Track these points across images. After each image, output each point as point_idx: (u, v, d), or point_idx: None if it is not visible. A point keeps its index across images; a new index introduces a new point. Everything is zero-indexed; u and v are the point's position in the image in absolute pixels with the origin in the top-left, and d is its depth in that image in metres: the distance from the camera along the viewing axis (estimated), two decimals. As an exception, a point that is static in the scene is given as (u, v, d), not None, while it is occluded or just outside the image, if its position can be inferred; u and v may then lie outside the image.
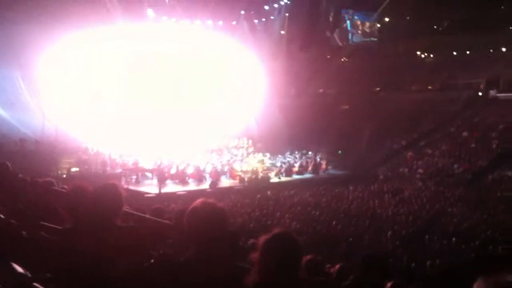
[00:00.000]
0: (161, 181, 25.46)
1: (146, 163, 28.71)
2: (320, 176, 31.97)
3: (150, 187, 25.24)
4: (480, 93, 40.46)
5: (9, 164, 5.91)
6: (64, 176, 24.80)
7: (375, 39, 46.70)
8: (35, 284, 2.58)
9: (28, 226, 3.77)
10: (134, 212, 5.31)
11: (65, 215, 3.62)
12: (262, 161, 31.14)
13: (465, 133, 34.94)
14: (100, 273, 2.86)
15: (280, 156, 34.04)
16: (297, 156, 34.73)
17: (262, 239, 2.55)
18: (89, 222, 3.26)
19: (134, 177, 27.17)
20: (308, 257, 4.91)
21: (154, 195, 23.31)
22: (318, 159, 34.21)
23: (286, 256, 2.48)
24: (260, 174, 29.07)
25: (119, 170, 27.59)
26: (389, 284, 4.53)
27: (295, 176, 30.99)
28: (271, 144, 35.21)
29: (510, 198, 23.66)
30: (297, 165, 32.44)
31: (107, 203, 3.30)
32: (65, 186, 5.29)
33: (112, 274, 2.86)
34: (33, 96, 28.65)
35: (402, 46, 46.50)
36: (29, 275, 2.76)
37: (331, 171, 33.87)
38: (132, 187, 23.65)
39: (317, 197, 23.43)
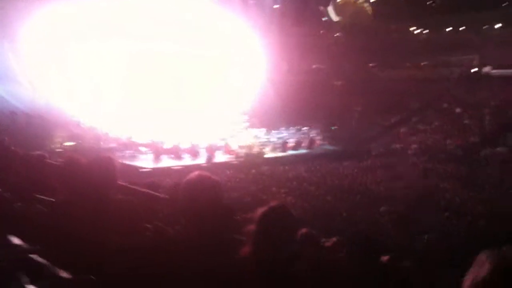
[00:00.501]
0: (156, 156, 25.44)
1: (140, 138, 28.66)
2: (315, 151, 32.03)
3: (144, 162, 25.20)
4: (473, 70, 40.45)
5: (6, 139, 5.87)
6: (58, 150, 24.69)
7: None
8: (31, 255, 2.57)
9: (22, 199, 3.74)
10: (128, 185, 5.30)
11: (58, 188, 3.60)
12: (257, 137, 31.14)
13: (458, 110, 35.01)
14: (94, 245, 2.85)
15: (274, 131, 34.04)
16: (292, 132, 34.76)
17: (258, 211, 2.54)
18: (82, 194, 3.24)
19: (129, 151, 27.11)
20: (303, 230, 4.92)
21: (149, 169, 23.29)
22: (313, 135, 34.26)
23: (281, 228, 2.47)
24: (256, 150, 29.08)
25: (113, 145, 27.50)
26: (385, 258, 4.55)
27: (290, 152, 31.05)
28: (266, 119, 35.20)
29: (501, 174, 23.85)
30: (291, 140, 32.47)
31: (101, 176, 3.28)
32: (59, 159, 5.25)
33: (105, 246, 2.85)
34: (23, 68, 28.29)
35: (395, 22, 46.25)
36: (25, 247, 2.74)
37: (325, 146, 33.94)
38: (126, 162, 23.59)
39: (311, 172, 23.50)
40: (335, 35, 46.18)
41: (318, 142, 33.86)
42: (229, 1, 38.97)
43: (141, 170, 22.67)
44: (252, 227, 2.52)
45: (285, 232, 2.49)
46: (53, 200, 3.55)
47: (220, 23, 36.94)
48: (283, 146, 31.18)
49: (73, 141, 26.90)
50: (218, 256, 2.55)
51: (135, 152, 27.41)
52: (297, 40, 42.29)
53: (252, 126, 34.56)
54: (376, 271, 4.16)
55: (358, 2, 47.05)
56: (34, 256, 2.55)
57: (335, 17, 46.55)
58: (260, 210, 2.54)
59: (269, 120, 35.26)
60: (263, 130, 33.40)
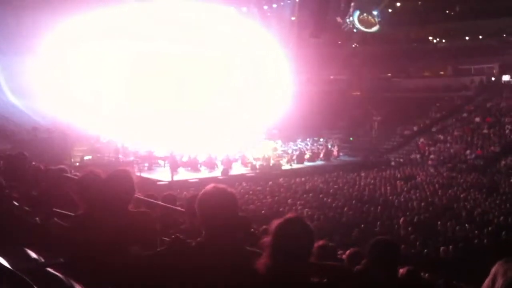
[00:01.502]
0: (173, 169, 25.56)
1: (159, 151, 28.85)
2: (332, 163, 31.94)
3: (162, 175, 25.35)
4: (493, 78, 40.07)
5: (26, 154, 5.95)
6: (77, 164, 24.95)
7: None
8: (48, 269, 2.60)
9: (42, 212, 3.79)
10: (146, 198, 5.33)
11: (77, 202, 3.63)
12: (274, 148, 31.13)
13: (477, 119, 34.67)
14: (112, 258, 2.87)
15: (291, 143, 34.00)
16: (309, 143, 34.70)
17: (275, 223, 2.54)
18: (101, 208, 3.27)
19: (147, 164, 27.32)
20: (320, 242, 4.91)
21: (166, 182, 23.41)
22: (330, 146, 34.16)
23: (298, 241, 2.47)
24: (272, 161, 29.08)
25: (132, 158, 27.73)
26: (404, 270, 4.51)
27: (307, 163, 30.98)
28: (283, 131, 35.21)
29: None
30: (308, 152, 32.39)
31: (119, 189, 3.31)
32: (78, 173, 5.31)
33: (124, 260, 2.87)
34: (44, 83, 28.65)
35: (413, 31, 46.05)
36: (42, 260, 2.78)
37: (343, 157, 33.81)
38: (144, 175, 23.77)
39: (329, 183, 23.41)
40: (353, 45, 46.09)
41: (335, 153, 33.73)
42: (249, 14, 39.22)
43: (158, 183, 22.81)
44: (268, 239, 2.52)
45: (300, 244, 2.49)
46: (72, 214, 3.59)
47: (239, 35, 37.14)
48: (300, 157, 31.11)
49: (92, 155, 27.17)
50: (235, 268, 2.55)
51: (153, 165, 27.58)
52: (315, 51, 42.30)
53: (269, 137, 34.57)
54: (395, 282, 4.12)
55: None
56: (52, 270, 2.58)
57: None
58: (276, 222, 2.55)
59: (286, 131, 35.26)
60: (280, 141, 33.36)
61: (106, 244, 2.96)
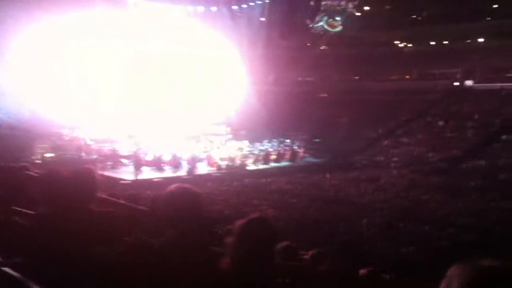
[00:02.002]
0: (137, 168, 25.29)
1: (123, 150, 28.50)
2: (298, 164, 32.08)
3: (126, 174, 25.05)
4: (456, 83, 40.99)
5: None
6: (39, 161, 24.48)
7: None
8: (4, 268, 2.55)
9: (1, 211, 3.71)
10: (108, 197, 5.27)
11: (39, 200, 3.57)
12: (240, 149, 31.12)
13: (441, 122, 35.38)
14: (73, 258, 2.83)
15: (258, 143, 34.04)
16: (275, 144, 34.79)
17: (238, 223, 2.54)
18: (63, 206, 3.22)
19: (110, 163, 26.93)
20: (284, 243, 4.94)
21: (130, 181, 23.15)
22: (296, 147, 34.33)
23: (261, 241, 2.47)
24: (238, 162, 29.06)
25: (95, 156, 27.32)
26: (365, 271, 4.58)
27: (273, 164, 31.05)
28: (250, 131, 35.24)
29: (484, 187, 24.13)
30: (274, 153, 32.49)
31: (82, 188, 3.27)
32: (39, 171, 5.21)
33: (86, 260, 2.83)
34: (7, 79, 28.00)
35: (381, 35, 46.77)
36: (0, 259, 2.72)
37: (309, 159, 34.02)
38: (107, 173, 23.43)
39: (294, 184, 23.55)
40: (321, 47, 46.50)
41: (301, 154, 33.92)
42: (216, 14, 39.11)
43: (122, 182, 22.54)
44: (231, 239, 2.52)
45: (263, 244, 2.49)
46: (33, 212, 3.52)
47: (206, 35, 37.01)
48: (266, 158, 31.18)
49: (54, 153, 26.70)
50: (198, 268, 2.54)
51: (117, 164, 27.23)
52: (283, 52, 42.50)
53: (235, 138, 34.55)
54: (357, 283, 4.19)
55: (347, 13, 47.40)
56: (7, 269, 2.53)
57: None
58: (239, 222, 2.54)
59: (252, 132, 35.30)
60: (246, 142, 33.38)
61: (67, 244, 2.91)
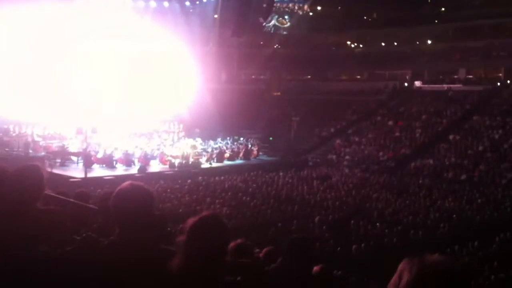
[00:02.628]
0: (87, 165, 24.73)
1: (72, 147, 27.84)
2: (251, 162, 32.19)
3: (75, 172, 24.47)
4: (405, 84, 42.07)
5: None
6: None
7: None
8: None
9: None
10: (56, 195, 5.12)
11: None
12: (193, 146, 30.91)
13: (390, 122, 36.20)
14: (19, 257, 2.73)
15: (211, 141, 33.94)
16: (229, 142, 34.78)
17: (190, 221, 2.50)
18: (7, 204, 3.10)
19: (59, 160, 26.23)
20: (238, 241, 4.92)
21: (80, 179, 22.63)
22: (250, 145, 34.42)
23: (213, 239, 2.44)
24: (191, 159, 28.86)
25: (43, 153, 26.58)
26: (317, 268, 4.61)
27: (227, 162, 31.02)
28: (203, 129, 35.09)
29: (431, 185, 24.86)
30: (228, 151, 32.47)
31: (28, 185, 3.15)
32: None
33: (32, 258, 2.73)
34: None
35: (332, 36, 47.46)
36: None
37: (262, 157, 34.18)
38: (56, 171, 22.83)
39: (247, 183, 23.61)
40: (274, 47, 46.77)
41: (255, 152, 34.04)
42: (169, 9, 38.72)
43: (71, 180, 22.02)
44: (182, 237, 2.48)
45: (216, 242, 2.46)
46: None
47: (158, 30, 36.53)
48: (220, 156, 31.13)
49: (0, 149, 25.83)
50: (148, 267, 2.50)
51: (66, 161, 26.58)
52: (237, 50, 42.53)
53: (189, 135, 34.33)
54: (308, 279, 4.21)
55: (296, 15, 47.89)
56: None
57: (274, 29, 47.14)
58: (191, 220, 2.50)
59: (206, 129, 35.16)
60: (200, 139, 33.22)
61: (12, 243, 2.81)
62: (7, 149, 26.21)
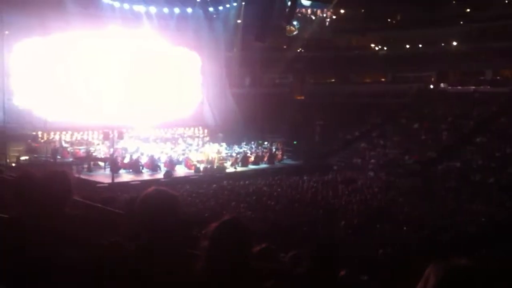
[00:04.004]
0: (114, 171, 25.03)
1: (99, 152, 28.23)
2: (276, 166, 32.17)
3: (102, 177, 24.80)
4: (430, 86, 41.56)
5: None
6: (13, 164, 24.11)
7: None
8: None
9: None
10: (84, 200, 5.20)
11: (12, 203, 3.50)
12: (218, 151, 31.06)
13: (415, 125, 35.80)
14: (48, 262, 2.79)
15: (236, 146, 34.05)
16: (253, 146, 34.82)
17: (212, 226, 2.52)
18: (37, 210, 3.17)
19: (86, 166, 26.62)
20: (263, 245, 4.92)
21: (106, 184, 22.93)
22: (274, 149, 34.40)
23: (235, 242, 2.45)
24: (216, 164, 28.99)
25: (70, 159, 26.99)
26: (342, 273, 4.59)
27: (251, 166, 31.08)
28: (227, 133, 35.22)
29: (458, 188, 24.49)
30: (253, 155, 32.51)
31: (56, 191, 3.22)
32: (13, 174, 5.13)
33: (60, 263, 2.79)
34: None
35: (355, 39, 47.19)
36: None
37: (287, 161, 34.13)
38: (83, 176, 23.17)
39: (272, 186, 23.58)
40: (297, 50, 46.69)
41: (279, 156, 34.01)
42: (193, 15, 38.98)
43: (98, 185, 22.30)
44: (205, 242, 2.50)
45: (238, 246, 2.47)
46: (6, 216, 3.45)
47: (183, 37, 36.84)
48: (244, 160, 31.17)
49: (29, 155, 26.32)
50: (173, 272, 2.52)
51: (93, 167, 26.95)
52: (260, 55, 42.56)
53: (213, 140, 34.48)
54: (335, 284, 4.20)
55: (318, 17, 47.77)
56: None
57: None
58: (213, 225, 2.53)
59: (230, 134, 35.28)
60: (225, 144, 33.35)
61: (40, 247, 2.87)
62: (35, 155, 26.68)
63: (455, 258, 1.65)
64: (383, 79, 46.87)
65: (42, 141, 28.59)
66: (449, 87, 40.05)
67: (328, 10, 45.78)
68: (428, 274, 1.62)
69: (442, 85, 40.80)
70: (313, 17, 46.56)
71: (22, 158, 25.72)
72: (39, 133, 28.76)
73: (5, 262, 2.77)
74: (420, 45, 43.14)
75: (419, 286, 1.64)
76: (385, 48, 46.21)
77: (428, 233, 15.02)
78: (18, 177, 3.68)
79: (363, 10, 46.86)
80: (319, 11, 46.46)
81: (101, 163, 27.42)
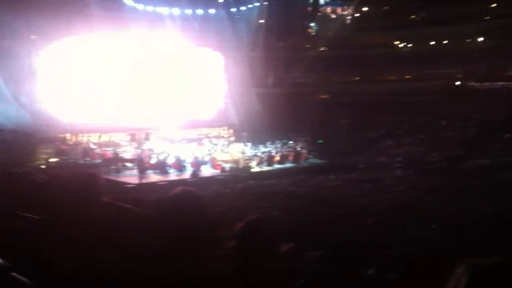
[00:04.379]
0: (141, 171, 25.30)
1: (126, 154, 28.55)
2: (301, 165, 32.09)
3: (130, 177, 25.07)
4: (456, 83, 40.96)
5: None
6: (43, 167, 24.52)
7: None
8: (13, 274, 2.55)
9: (4, 216, 3.72)
10: (113, 201, 5.27)
11: (43, 205, 3.58)
12: (242, 151, 31.15)
13: (442, 122, 35.35)
14: (77, 262, 2.84)
15: (261, 145, 34.08)
16: (278, 146, 34.80)
17: (237, 226, 2.54)
18: (67, 211, 3.23)
19: (114, 167, 26.97)
20: (289, 245, 4.93)
21: (134, 185, 23.17)
22: (299, 149, 34.33)
23: (260, 242, 2.46)
24: (241, 164, 29.07)
25: (98, 160, 27.36)
26: (371, 271, 4.58)
27: (276, 166, 31.06)
28: (252, 134, 35.29)
29: (486, 186, 24.07)
30: (278, 154, 32.49)
31: (85, 192, 3.28)
32: (43, 176, 5.23)
33: (90, 264, 2.84)
34: (9, 83, 28.03)
35: (379, 36, 46.77)
36: (7, 264, 2.72)
37: (312, 160, 34.03)
38: (111, 177, 23.47)
39: (298, 186, 23.52)
40: (320, 49, 46.53)
41: (304, 155, 33.93)
42: (215, 16, 39.19)
43: (126, 185, 22.56)
44: (231, 243, 2.52)
45: (263, 245, 2.48)
46: (37, 217, 3.53)
47: (206, 38, 37.03)
48: (269, 160, 31.18)
49: (58, 157, 26.72)
50: (202, 272, 2.55)
51: (121, 168, 27.28)
52: (283, 54, 42.54)
53: (238, 140, 34.56)
54: (362, 284, 4.19)
55: (341, 15, 47.53)
56: (16, 274, 2.54)
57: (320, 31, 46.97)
58: (239, 225, 2.54)
59: (255, 134, 35.33)
60: (249, 144, 33.40)
61: (70, 249, 2.92)
62: (64, 157, 27.11)
63: (487, 257, 1.63)
64: (408, 77, 46.34)
65: (70, 143, 29.01)
66: (476, 84, 39.39)
67: (350, 8, 45.53)
68: (460, 273, 1.60)
69: (468, 82, 40.17)
70: (335, 16, 46.37)
71: (51, 160, 26.13)
72: (67, 135, 29.19)
73: (40, 264, 2.83)
74: (445, 42, 42.55)
75: (450, 286, 1.62)
76: (409, 45, 45.70)
77: (455, 231, 14.79)
78: (48, 179, 3.76)
79: (386, 7, 46.46)
80: (340, 9, 46.27)
81: (129, 164, 27.74)
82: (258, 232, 2.46)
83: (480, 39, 40.96)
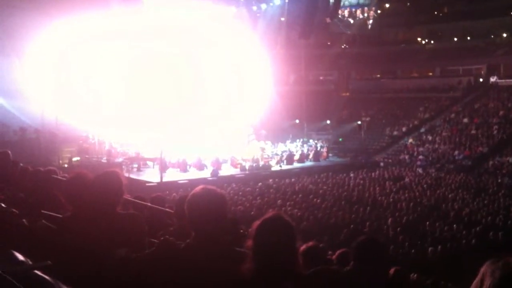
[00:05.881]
0: (163, 170, 25.47)
1: (147, 152, 28.73)
2: (321, 163, 31.98)
3: (151, 176, 25.26)
4: (480, 79, 40.42)
5: (10, 153, 5.87)
6: (66, 165, 24.82)
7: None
8: (36, 272, 2.58)
9: (29, 214, 3.76)
10: (134, 200, 5.31)
11: (65, 203, 3.61)
12: (262, 149, 31.12)
13: (465, 119, 34.93)
14: (100, 260, 2.86)
15: (281, 144, 34.02)
16: (298, 144, 34.71)
17: (255, 224, 2.52)
18: (89, 209, 3.26)
19: (135, 166, 27.20)
20: (310, 244, 4.92)
21: (155, 183, 23.33)
22: (319, 147, 34.22)
23: (278, 239, 2.44)
24: (261, 162, 29.07)
25: (120, 159, 27.60)
26: (392, 270, 4.54)
27: (296, 164, 31.00)
28: (272, 132, 35.23)
29: (511, 184, 23.74)
30: (298, 153, 32.42)
31: (108, 191, 3.30)
32: (66, 175, 5.29)
33: (112, 262, 2.86)
34: (32, 84, 28.38)
35: (402, 32, 46.39)
36: (30, 262, 2.75)
37: (332, 158, 33.89)
38: (133, 176, 23.68)
39: (318, 184, 23.46)
40: (342, 46, 46.33)
41: (325, 154, 33.79)
42: (237, 14, 39.20)
43: (147, 184, 22.73)
44: (250, 241, 2.50)
45: (282, 243, 2.45)
46: (60, 216, 3.56)
47: (227, 35, 37.02)
48: (289, 158, 31.14)
49: (80, 156, 27.02)
50: (222, 271, 2.55)
51: (142, 166, 27.49)
52: (304, 52, 42.41)
53: (259, 138, 34.56)
54: (383, 282, 4.15)
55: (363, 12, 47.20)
56: (39, 272, 2.56)
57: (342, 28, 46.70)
58: (256, 223, 2.53)
59: (275, 132, 35.28)
60: (270, 142, 33.36)
61: (93, 247, 2.94)
62: (87, 156, 27.40)
63: (510, 256, 1.60)
64: (430, 73, 45.86)
65: (93, 141, 29.30)
66: (500, 80, 38.81)
67: (373, 5, 45.23)
68: (484, 272, 1.58)
69: (492, 78, 39.59)
70: (358, 12, 46.09)
71: (74, 159, 26.44)
72: (90, 134, 29.49)
73: (62, 262, 2.86)
74: (469, 38, 42.01)
75: (474, 286, 1.60)
76: (432, 42, 45.22)
77: (479, 230, 14.60)
78: (71, 177, 3.79)
79: (409, 4, 46.03)
80: (362, 7, 46.00)
81: (150, 163, 27.95)
82: (274, 228, 2.44)
83: (504, 34, 40.32)
